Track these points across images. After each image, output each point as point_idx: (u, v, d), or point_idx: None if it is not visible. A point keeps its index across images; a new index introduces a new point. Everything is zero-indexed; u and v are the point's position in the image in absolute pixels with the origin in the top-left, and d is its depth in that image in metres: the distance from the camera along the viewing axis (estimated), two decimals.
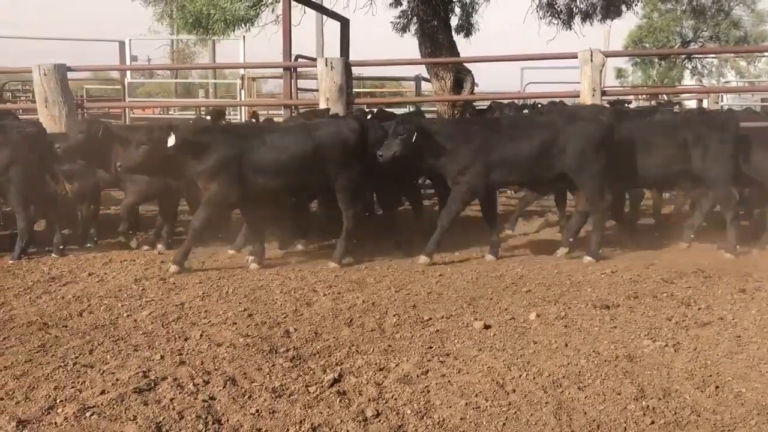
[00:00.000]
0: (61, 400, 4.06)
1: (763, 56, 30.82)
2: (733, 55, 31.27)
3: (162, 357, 4.75)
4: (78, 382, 4.32)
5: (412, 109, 13.71)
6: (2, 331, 5.33)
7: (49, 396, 4.12)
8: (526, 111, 11.62)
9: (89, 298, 6.23)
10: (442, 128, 7.81)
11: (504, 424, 3.83)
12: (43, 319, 5.63)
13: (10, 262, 7.55)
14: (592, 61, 9.40)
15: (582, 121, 7.70)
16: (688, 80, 32.42)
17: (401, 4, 12.82)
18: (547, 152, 7.49)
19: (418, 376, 4.43)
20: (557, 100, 11.76)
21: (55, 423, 3.81)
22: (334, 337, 5.18)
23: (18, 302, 6.15)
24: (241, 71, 15.75)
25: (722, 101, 17.30)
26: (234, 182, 7.14)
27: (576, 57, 9.60)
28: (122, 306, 6.01)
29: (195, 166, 7.12)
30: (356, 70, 12.22)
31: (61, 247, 7.84)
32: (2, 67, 14.97)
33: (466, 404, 4.02)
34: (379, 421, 3.86)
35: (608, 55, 10.26)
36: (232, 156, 7.12)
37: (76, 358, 4.75)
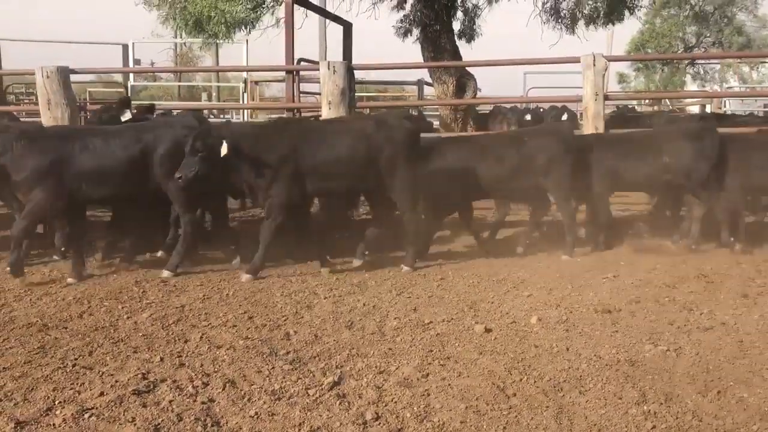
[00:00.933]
0: (60, 402, 4.05)
1: (766, 62, 30.78)
2: (735, 60, 31.23)
3: (161, 359, 4.73)
4: (77, 384, 4.31)
5: (414, 113, 13.74)
6: (2, 333, 5.32)
7: (48, 397, 4.11)
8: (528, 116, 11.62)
9: (89, 300, 6.22)
10: (247, 135, 7.20)
11: (504, 428, 3.81)
12: (43, 321, 5.62)
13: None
14: (594, 65, 9.38)
15: (389, 127, 7.42)
16: (691, 86, 32.40)
17: (404, 9, 12.84)
18: (360, 159, 7.22)
19: (418, 379, 4.41)
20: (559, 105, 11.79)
21: (54, 424, 3.79)
22: (334, 340, 5.16)
23: (18, 304, 6.14)
24: (245, 74, 15.78)
25: (725, 106, 17.31)
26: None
27: (578, 61, 9.58)
28: (122, 308, 5.99)
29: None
30: (359, 74, 12.21)
31: (63, 249, 7.82)
32: (6, 69, 15.00)
33: (467, 408, 4.00)
34: (379, 424, 3.84)
35: (611, 59, 10.26)
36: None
37: (76, 359, 4.74)
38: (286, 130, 7.38)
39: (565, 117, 11.34)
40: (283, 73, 11.88)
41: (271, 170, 6.97)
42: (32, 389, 4.23)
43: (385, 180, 7.32)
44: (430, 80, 13.33)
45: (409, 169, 7.38)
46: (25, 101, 18.48)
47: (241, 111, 16.88)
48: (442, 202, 8.04)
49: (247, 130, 7.62)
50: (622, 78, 34.11)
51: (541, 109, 13.05)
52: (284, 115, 11.79)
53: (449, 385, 4.32)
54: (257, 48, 15.32)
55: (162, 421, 3.83)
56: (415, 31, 12.80)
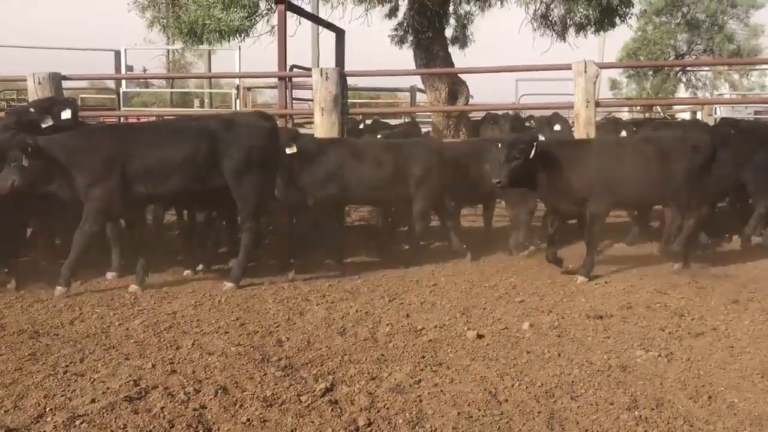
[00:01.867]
0: (51, 409, 4.03)
1: (756, 69, 30.95)
2: (726, 67, 31.40)
3: (153, 366, 4.72)
4: (68, 391, 4.29)
5: (407, 120, 13.77)
6: None
7: (39, 404, 4.09)
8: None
9: (81, 307, 6.20)
10: (64, 139, 6.75)
11: None
12: (34, 328, 5.60)
13: None
14: (586, 72, 9.42)
15: (240, 127, 7.07)
16: (683, 93, 32.56)
17: (396, 16, 12.87)
18: (202, 161, 6.82)
19: (410, 385, 4.41)
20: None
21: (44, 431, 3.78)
22: (326, 347, 5.16)
23: (9, 311, 6.12)
24: (237, 81, 15.78)
25: (716, 113, 17.39)
26: None
27: (570, 68, 9.62)
28: (114, 315, 5.98)
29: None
30: (351, 81, 12.23)
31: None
32: None
33: (459, 414, 4.00)
34: (372, 430, 3.84)
35: (602, 66, 10.31)
36: None
37: (67, 366, 4.72)
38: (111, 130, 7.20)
39: (558, 127, 11.35)
40: (276, 80, 11.89)
41: (96, 172, 6.62)
42: (23, 396, 4.21)
43: (229, 184, 6.88)
44: (422, 87, 13.36)
45: (257, 174, 6.94)
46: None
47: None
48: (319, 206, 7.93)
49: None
50: (614, 84, 34.25)
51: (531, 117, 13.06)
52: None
53: (441, 391, 4.32)
54: (250, 54, 15.29)
55: (154, 427, 3.81)
56: (410, 39, 12.84)
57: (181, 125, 7.36)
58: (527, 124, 11.57)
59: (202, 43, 12.39)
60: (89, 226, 6.65)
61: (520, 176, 7.01)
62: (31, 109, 7.51)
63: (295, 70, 12.25)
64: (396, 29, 13.14)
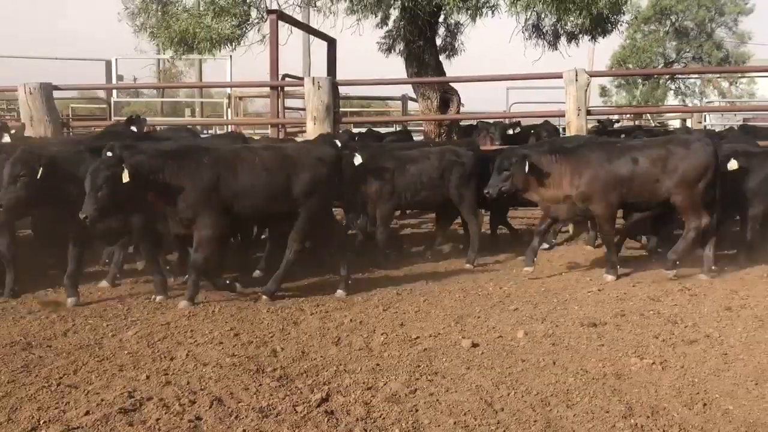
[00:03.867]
0: (45, 422, 4.00)
1: (744, 77, 31.20)
2: (715, 75, 31.65)
3: (148, 377, 4.69)
4: (62, 403, 4.26)
5: (399, 128, 13.81)
6: None
7: (33, 417, 4.06)
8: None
9: (74, 318, 6.16)
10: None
11: None
12: (27, 339, 5.56)
13: None
14: (576, 80, 9.49)
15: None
16: (672, 100, 32.77)
17: (387, 25, 12.92)
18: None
19: (406, 395, 4.40)
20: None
21: None
22: (321, 356, 5.15)
23: (1, 322, 6.08)
24: (228, 90, 15.79)
25: (705, 121, 17.51)
26: None
27: (561, 77, 9.68)
28: (107, 326, 5.94)
29: None
30: (342, 90, 12.26)
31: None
32: None
33: (455, 423, 4.00)
34: None
35: (593, 75, 10.38)
36: None
37: (61, 378, 4.69)
38: None
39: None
40: (267, 89, 11.90)
41: None
42: (16, 409, 4.18)
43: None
44: (414, 95, 13.41)
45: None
46: (7, 117, 18.34)
47: (225, 127, 16.86)
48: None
49: None
50: (603, 92, 34.45)
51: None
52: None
53: (437, 400, 4.32)
54: (240, 62, 15.31)
55: None
56: (399, 47, 12.88)
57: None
58: (510, 131, 11.57)
59: (192, 53, 12.40)
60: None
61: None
62: None
63: (287, 79, 12.27)
64: (385, 38, 13.19)
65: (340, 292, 6.98)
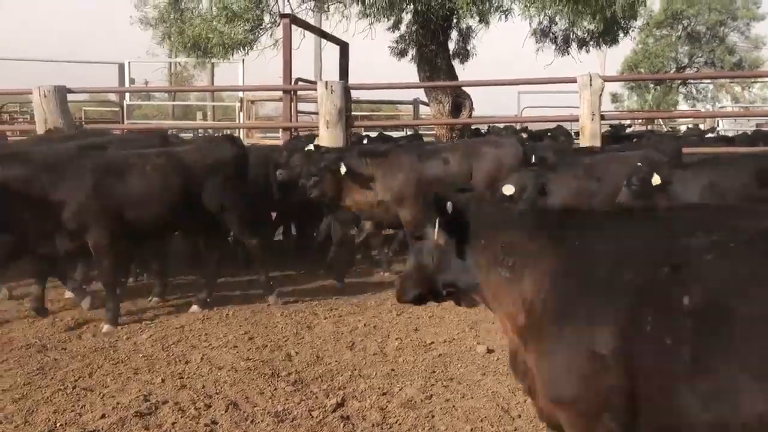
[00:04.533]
0: (61, 424, 4.02)
1: (758, 82, 31.02)
2: (728, 80, 31.48)
3: (163, 380, 4.70)
4: (78, 406, 4.27)
5: (410, 133, 13.79)
6: (1, 354, 5.28)
7: (49, 420, 4.07)
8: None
9: (88, 321, 6.17)
10: None
11: None
12: (42, 342, 5.58)
13: None
14: (591, 85, 9.44)
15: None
16: (683, 105, 32.63)
17: (399, 29, 12.90)
18: None
19: (422, 400, 4.39)
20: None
21: None
22: (336, 361, 5.13)
23: (16, 325, 6.10)
24: (240, 94, 15.80)
25: (718, 126, 17.43)
26: None
27: (575, 81, 9.64)
28: (121, 329, 5.95)
29: None
30: (354, 94, 12.25)
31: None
32: (2, 89, 14.99)
33: (472, 429, 3.98)
34: None
35: (606, 80, 10.32)
36: None
37: (76, 381, 4.70)
38: None
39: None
40: (278, 93, 11.91)
41: None
42: (33, 411, 4.20)
43: None
44: (425, 99, 13.39)
45: None
46: (20, 120, 18.44)
47: (237, 130, 16.91)
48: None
49: None
50: (615, 98, 34.33)
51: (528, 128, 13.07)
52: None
53: (453, 406, 4.30)
54: (252, 66, 15.34)
55: None
56: (411, 51, 12.86)
57: None
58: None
59: (206, 57, 12.43)
60: None
61: None
62: None
63: (300, 83, 12.28)
64: (398, 42, 13.18)
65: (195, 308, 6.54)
